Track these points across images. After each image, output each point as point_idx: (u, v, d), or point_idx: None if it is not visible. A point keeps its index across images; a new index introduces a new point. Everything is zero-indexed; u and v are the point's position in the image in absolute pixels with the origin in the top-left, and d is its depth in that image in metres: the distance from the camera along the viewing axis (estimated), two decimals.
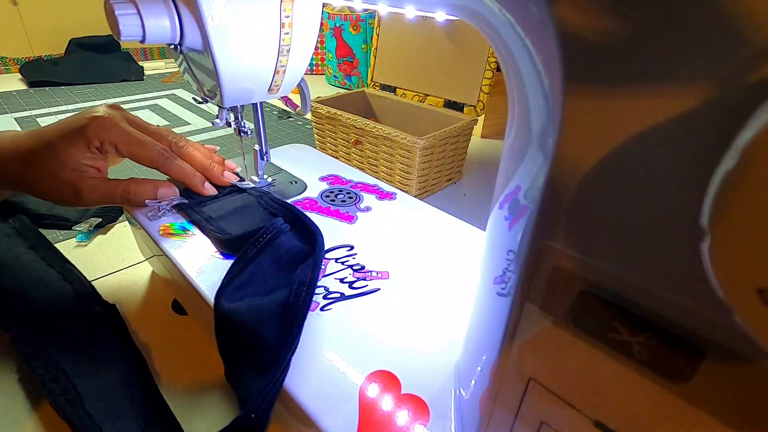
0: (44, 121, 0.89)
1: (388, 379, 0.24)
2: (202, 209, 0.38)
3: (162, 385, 0.33)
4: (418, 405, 0.23)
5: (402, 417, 0.22)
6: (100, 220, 0.52)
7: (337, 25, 1.15)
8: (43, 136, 0.36)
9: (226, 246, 0.33)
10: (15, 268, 0.41)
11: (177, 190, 0.39)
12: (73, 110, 0.97)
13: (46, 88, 1.12)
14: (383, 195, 0.43)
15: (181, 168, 0.38)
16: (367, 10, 1.10)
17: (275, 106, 1.06)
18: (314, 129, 0.73)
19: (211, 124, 0.88)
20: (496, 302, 0.18)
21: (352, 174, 0.47)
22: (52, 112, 0.94)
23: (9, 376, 0.34)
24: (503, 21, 0.15)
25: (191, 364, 0.36)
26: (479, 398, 0.20)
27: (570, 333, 0.14)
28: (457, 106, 0.69)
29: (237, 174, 0.42)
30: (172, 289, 0.41)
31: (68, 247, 0.49)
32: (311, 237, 0.33)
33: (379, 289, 0.31)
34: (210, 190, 0.40)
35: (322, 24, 1.14)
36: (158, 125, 0.41)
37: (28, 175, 0.35)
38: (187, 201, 0.39)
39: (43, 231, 0.50)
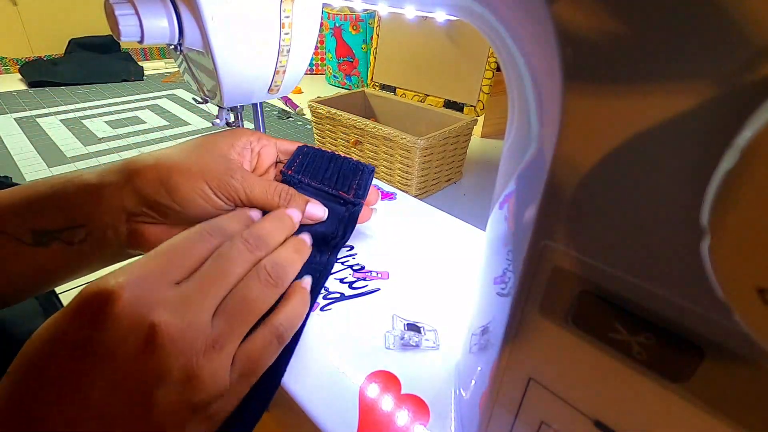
0: (44, 121, 0.89)
1: (388, 379, 0.24)
2: None
3: None
4: (418, 405, 0.23)
5: (402, 417, 0.22)
6: None
7: (337, 25, 1.15)
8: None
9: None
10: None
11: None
12: (72, 110, 0.96)
13: (46, 88, 1.12)
14: (383, 195, 0.43)
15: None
16: (366, 10, 1.10)
17: (275, 106, 1.06)
18: (314, 129, 0.73)
19: (211, 125, 0.88)
20: (497, 302, 0.18)
21: None
22: (52, 112, 0.94)
23: None
24: (503, 21, 0.15)
25: None
26: (479, 398, 0.20)
27: (570, 333, 0.14)
28: (457, 106, 0.69)
29: None
30: None
31: None
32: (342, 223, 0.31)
33: (379, 289, 0.31)
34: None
35: (322, 24, 1.14)
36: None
37: None
38: None
39: None
